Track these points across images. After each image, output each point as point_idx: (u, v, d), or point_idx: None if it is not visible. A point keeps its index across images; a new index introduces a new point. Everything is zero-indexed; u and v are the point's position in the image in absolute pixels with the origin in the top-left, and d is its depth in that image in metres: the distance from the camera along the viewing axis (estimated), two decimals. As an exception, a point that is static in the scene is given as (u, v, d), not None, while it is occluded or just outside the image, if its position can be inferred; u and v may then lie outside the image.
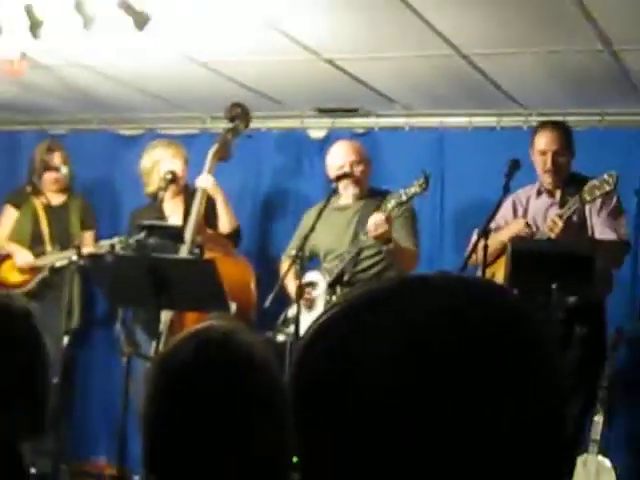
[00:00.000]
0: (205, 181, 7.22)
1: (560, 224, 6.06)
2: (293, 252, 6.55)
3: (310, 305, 6.78)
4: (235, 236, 7.48)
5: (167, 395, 2.37)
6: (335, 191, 6.91)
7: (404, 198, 6.59)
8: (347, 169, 7.02)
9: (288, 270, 6.68)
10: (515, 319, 1.20)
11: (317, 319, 1.21)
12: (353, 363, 1.14)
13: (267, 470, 2.35)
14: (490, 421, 1.12)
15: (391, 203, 6.64)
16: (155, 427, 2.39)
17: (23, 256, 7.79)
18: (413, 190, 6.51)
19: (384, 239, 6.66)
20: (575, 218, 6.20)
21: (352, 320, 1.18)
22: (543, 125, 6.76)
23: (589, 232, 6.35)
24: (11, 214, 8.10)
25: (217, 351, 2.36)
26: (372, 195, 6.94)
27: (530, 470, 1.14)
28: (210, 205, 7.23)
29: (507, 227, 6.43)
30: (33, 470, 2.69)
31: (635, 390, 7.16)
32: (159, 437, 2.39)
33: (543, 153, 6.53)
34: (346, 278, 6.78)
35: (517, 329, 1.19)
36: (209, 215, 7.24)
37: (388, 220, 6.59)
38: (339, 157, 7.13)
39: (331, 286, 6.77)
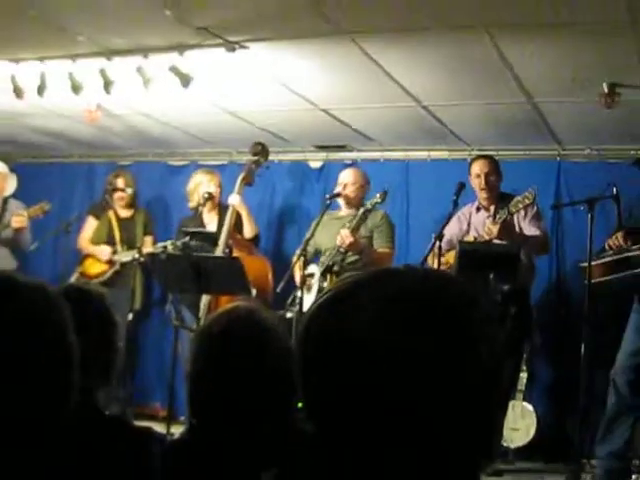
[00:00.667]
0: (234, 199, 7.24)
1: (495, 229, 6.12)
2: (298, 251, 6.56)
3: (309, 289, 6.78)
4: (256, 239, 7.50)
5: (205, 357, 2.37)
6: (328, 206, 6.89)
7: (369, 207, 6.79)
8: (340, 189, 7.02)
9: (294, 264, 6.69)
10: (466, 296, 1.20)
11: (316, 300, 1.22)
12: (341, 333, 1.14)
13: (279, 411, 2.35)
14: (451, 370, 1.12)
15: (360, 211, 6.80)
16: (196, 381, 2.39)
17: (104, 252, 7.80)
18: (375, 200, 6.74)
19: (354, 249, 6.72)
20: (507, 224, 6.23)
21: (340, 302, 1.19)
22: (476, 157, 6.89)
23: (519, 231, 6.41)
24: (92, 223, 8.13)
25: (242, 324, 2.36)
26: (373, 209, 6.93)
27: (478, 410, 1.14)
28: (237, 217, 7.24)
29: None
30: (106, 412, 2.68)
31: (551, 353, 7.18)
32: (198, 389, 2.39)
33: (478, 176, 6.61)
34: (336, 269, 6.77)
35: (468, 305, 1.19)
36: (237, 224, 7.26)
37: (353, 233, 6.69)
38: (340, 179, 7.13)
39: (323, 274, 6.77)
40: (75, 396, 1.47)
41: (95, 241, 7.97)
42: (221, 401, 2.32)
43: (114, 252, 7.81)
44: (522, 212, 6.39)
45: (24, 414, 1.37)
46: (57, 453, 1.43)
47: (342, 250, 6.76)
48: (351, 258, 6.80)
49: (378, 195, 6.77)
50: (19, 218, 7.68)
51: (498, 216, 6.21)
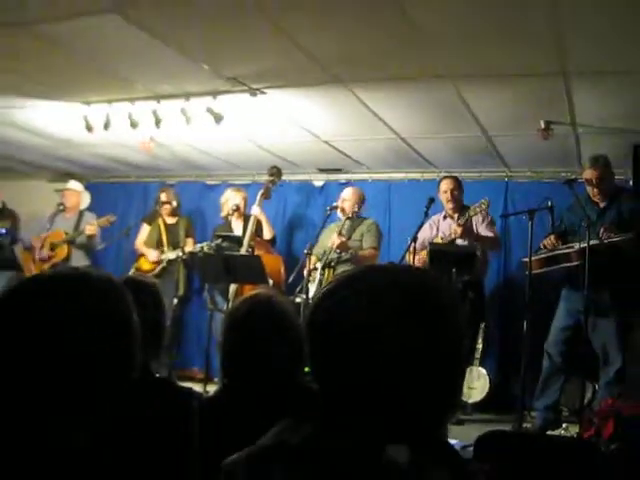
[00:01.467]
0: (255, 210, 7.26)
1: (459, 230, 6.17)
2: (306, 251, 6.55)
3: (314, 280, 6.76)
4: (273, 240, 7.51)
5: (233, 331, 2.38)
6: (328, 216, 6.88)
7: (350, 215, 6.84)
8: (338, 203, 7.01)
9: (305, 262, 6.66)
10: (435, 285, 1.21)
11: (321, 289, 1.23)
12: (339, 313, 1.15)
13: (290, 374, 2.36)
14: (424, 341, 1.13)
15: (344, 218, 6.88)
16: (227, 350, 2.40)
17: (153, 255, 7.80)
18: (354, 210, 6.88)
19: (343, 248, 6.73)
20: (468, 226, 6.26)
21: (340, 290, 1.20)
22: (444, 177, 6.83)
23: (476, 233, 6.45)
24: (145, 228, 8.12)
25: (263, 306, 2.37)
26: (354, 219, 6.91)
27: (447, 371, 1.15)
28: (258, 224, 7.26)
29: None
30: (157, 375, 2.70)
31: (500, 330, 7.18)
32: (229, 356, 2.40)
33: (445, 192, 6.60)
34: (333, 264, 6.77)
35: (436, 291, 1.20)
36: (257, 230, 7.26)
37: (340, 236, 6.73)
38: (342, 195, 7.12)
39: (323, 269, 6.75)
40: (138, 364, 1.49)
41: (148, 242, 7.98)
42: (246, 365, 2.33)
43: (162, 252, 7.81)
44: (480, 218, 6.43)
45: (101, 380, 1.39)
46: (122, 407, 1.45)
47: (336, 251, 6.77)
48: (345, 257, 6.80)
49: (356, 205, 6.85)
50: (91, 227, 7.81)
51: (460, 220, 6.24)
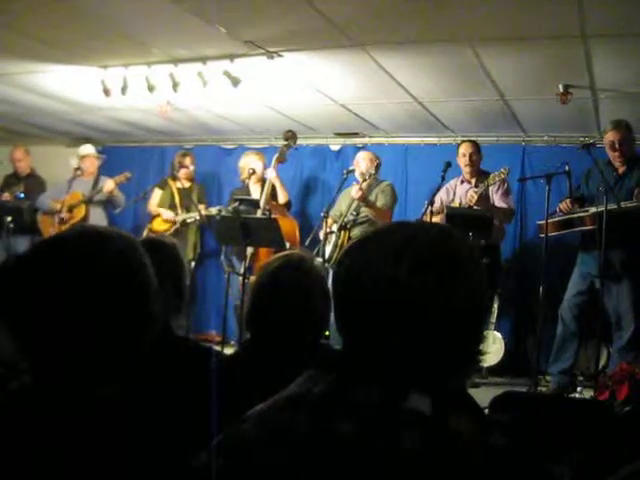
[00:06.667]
0: (271, 173, 7.28)
1: (476, 197, 6.12)
2: (322, 214, 6.57)
3: (330, 242, 6.78)
4: (288, 204, 7.52)
5: (267, 285, 2.41)
6: (345, 179, 6.87)
7: (368, 177, 6.75)
8: (354, 167, 7.00)
9: (321, 224, 6.69)
10: (456, 239, 1.22)
11: (348, 244, 1.24)
12: (363, 266, 1.16)
13: (317, 332, 2.39)
14: (446, 294, 1.14)
15: (365, 178, 6.80)
16: (256, 301, 2.43)
17: (168, 214, 7.84)
18: (371, 171, 6.77)
19: (362, 200, 6.69)
20: (484, 194, 6.22)
21: (363, 244, 1.21)
22: (463, 141, 6.77)
23: (492, 202, 6.39)
24: (157, 192, 8.10)
25: (295, 264, 2.42)
26: (372, 181, 6.88)
27: (468, 322, 1.16)
28: (273, 187, 7.28)
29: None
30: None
31: (516, 293, 7.19)
32: (257, 306, 2.43)
33: (464, 155, 6.57)
34: (349, 227, 6.78)
35: (457, 245, 1.21)
36: (274, 194, 7.28)
37: (361, 188, 6.68)
38: (356, 158, 7.11)
39: (338, 230, 6.77)
40: (158, 321, 1.50)
41: (160, 206, 8.00)
42: (272, 316, 2.37)
43: (176, 214, 7.85)
44: (496, 187, 6.41)
45: (119, 337, 1.41)
46: (145, 360, 1.47)
47: (352, 213, 6.77)
48: (361, 219, 6.80)
49: (371, 166, 6.81)
50: (110, 183, 7.95)
51: (480, 187, 6.22)
